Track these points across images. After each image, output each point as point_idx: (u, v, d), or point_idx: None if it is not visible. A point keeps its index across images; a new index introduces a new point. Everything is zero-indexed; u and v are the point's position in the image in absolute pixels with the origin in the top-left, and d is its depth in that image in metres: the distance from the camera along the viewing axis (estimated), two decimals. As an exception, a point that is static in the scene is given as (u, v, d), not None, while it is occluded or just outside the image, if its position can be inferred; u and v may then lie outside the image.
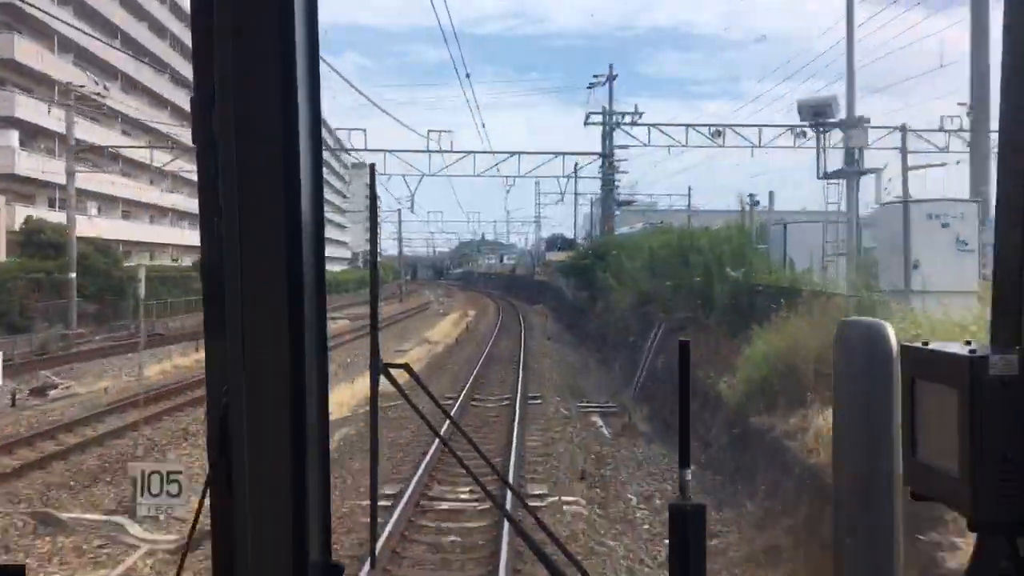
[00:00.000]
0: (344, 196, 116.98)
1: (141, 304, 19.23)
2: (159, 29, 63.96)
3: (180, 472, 13.70)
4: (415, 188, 48.50)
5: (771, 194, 37.63)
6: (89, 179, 49.31)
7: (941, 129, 42.19)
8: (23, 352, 34.56)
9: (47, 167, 47.00)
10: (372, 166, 1.89)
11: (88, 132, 50.55)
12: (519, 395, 21.50)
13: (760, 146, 48.58)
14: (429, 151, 41.93)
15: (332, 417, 1.92)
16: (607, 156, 46.11)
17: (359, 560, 9.58)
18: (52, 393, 24.90)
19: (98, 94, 42.38)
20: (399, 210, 77.44)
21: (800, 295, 16.25)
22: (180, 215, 69.11)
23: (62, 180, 41.89)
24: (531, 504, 9.65)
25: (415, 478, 12.98)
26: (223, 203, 1.28)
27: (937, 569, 7.31)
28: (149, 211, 63.90)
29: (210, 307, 1.32)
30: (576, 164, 48.62)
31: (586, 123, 46.09)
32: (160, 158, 47.76)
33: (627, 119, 44.65)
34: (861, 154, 23.91)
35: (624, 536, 11.46)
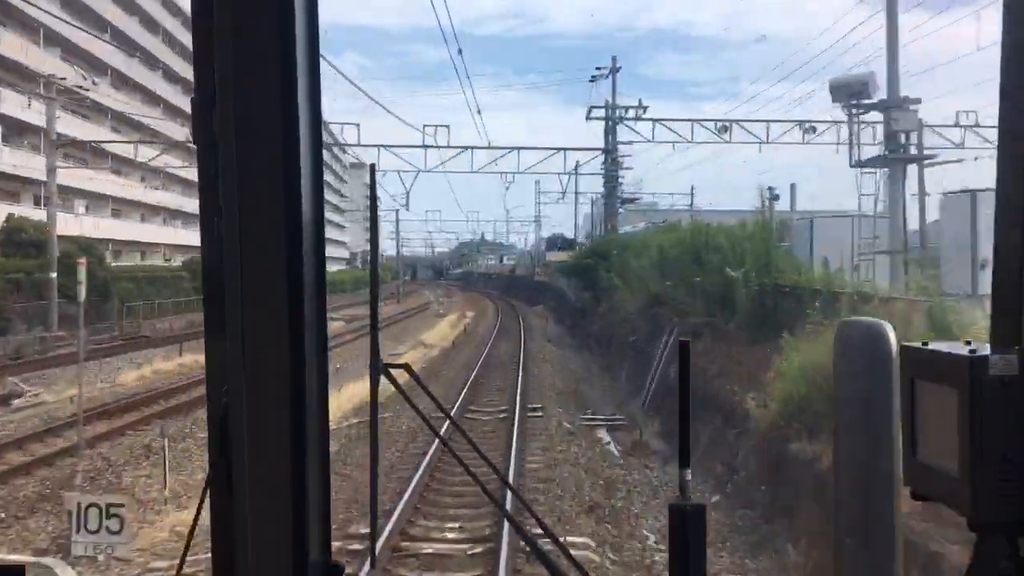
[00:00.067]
0: (342, 196, 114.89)
1: (82, 308, 16.98)
2: (151, 24, 61.73)
3: (122, 505, 11.51)
4: (411, 185, 46.21)
5: (792, 187, 35.51)
6: (76, 176, 47.14)
7: (956, 125, 40.00)
8: (-4, 356, 32.59)
9: (31, 163, 44.75)
10: (372, 166, 1.93)
11: (77, 128, 48.49)
12: (518, 406, 19.39)
13: (768, 142, 46.31)
14: (425, 146, 39.70)
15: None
16: (610, 152, 43.85)
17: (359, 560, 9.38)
18: (16, 402, 22.86)
19: (80, 87, 40.20)
20: (397, 210, 75.31)
21: (837, 298, 14.05)
22: (173, 214, 66.85)
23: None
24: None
25: (396, 511, 11.24)
26: (223, 203, 1.27)
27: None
28: (140, 209, 61.59)
29: (210, 307, 1.30)
30: (576, 163, 46.36)
31: (588, 118, 44.18)
32: (147, 153, 45.47)
33: (631, 113, 42.28)
34: (908, 139, 21.62)
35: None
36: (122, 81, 59.12)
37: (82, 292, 16.74)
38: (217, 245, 1.29)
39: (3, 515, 13.42)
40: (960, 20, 51.36)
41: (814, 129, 48.63)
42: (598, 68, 47.17)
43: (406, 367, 1.61)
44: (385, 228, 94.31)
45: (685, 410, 1.57)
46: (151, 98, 62.22)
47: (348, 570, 1.49)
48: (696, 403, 16.89)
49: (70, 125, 48.44)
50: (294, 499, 1.30)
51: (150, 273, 53.07)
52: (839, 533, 1.27)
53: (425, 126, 40.12)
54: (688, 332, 19.82)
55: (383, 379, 1.53)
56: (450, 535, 11.06)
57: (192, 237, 67.02)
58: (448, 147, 40.68)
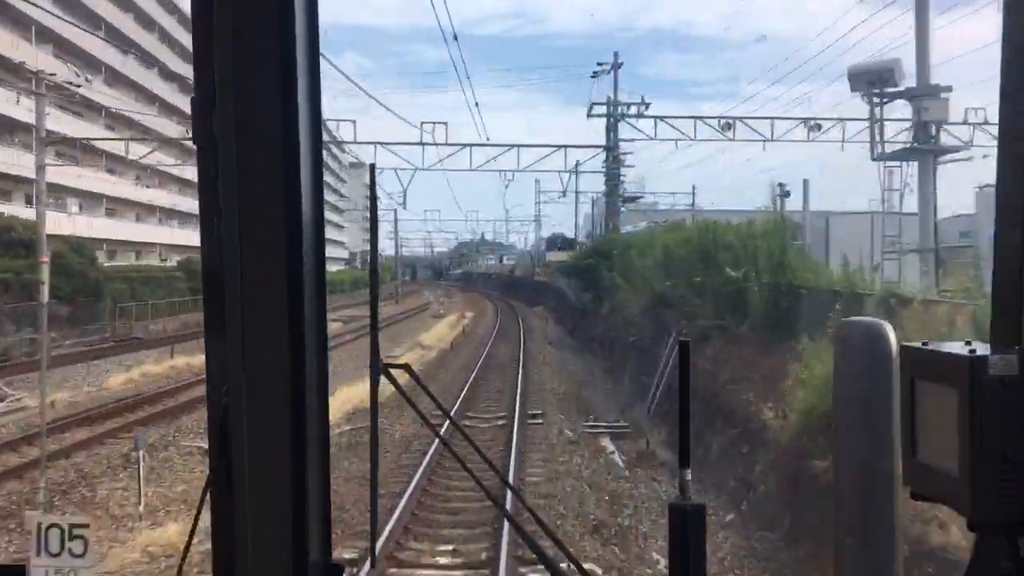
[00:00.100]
0: (341, 195, 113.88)
1: (45, 310, 15.95)
2: (147, 22, 60.63)
3: (86, 526, 10.09)
4: (408, 183, 45.15)
5: (805, 183, 34.40)
6: (69, 174, 46.08)
7: (965, 122, 38.84)
8: (-18, 358, 31.70)
9: (22, 161, 43.70)
10: (372, 166, 1.90)
11: (70, 126, 47.36)
12: (517, 412, 18.37)
13: (773, 139, 45.24)
14: (423, 143, 38.62)
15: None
16: (611, 149, 42.74)
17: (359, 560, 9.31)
18: (-2, 407, 21.65)
19: (71, 83, 39.10)
20: (395, 209, 74.32)
21: (861, 300, 12.99)
22: (168, 213, 65.73)
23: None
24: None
25: (385, 533, 10.54)
26: (223, 204, 1.28)
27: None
28: (135, 209, 60.48)
29: (210, 307, 1.31)
30: (577, 163, 45.27)
31: (589, 115, 43.17)
32: (140, 151, 44.37)
33: (633, 111, 41.19)
34: (938, 130, 20.48)
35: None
36: (116, 78, 58.00)
37: (45, 293, 15.77)
38: (217, 246, 1.28)
39: (-38, 534, 12.35)
40: (958, 20, 50.29)
41: (819, 126, 47.58)
42: (600, 64, 46.02)
43: (406, 367, 1.61)
44: (383, 228, 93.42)
45: (685, 410, 1.60)
46: (146, 96, 61.08)
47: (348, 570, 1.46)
48: (707, 411, 15.87)
49: (63, 122, 47.40)
50: (294, 499, 1.29)
51: (144, 273, 52.06)
52: (839, 533, 1.26)
53: (423, 123, 39.12)
54: (696, 335, 18.80)
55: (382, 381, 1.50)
56: (443, 560, 10.38)
57: (188, 237, 66.09)
58: (446, 144, 39.62)
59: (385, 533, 10.48)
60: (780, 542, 10.63)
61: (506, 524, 10.05)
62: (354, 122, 39.62)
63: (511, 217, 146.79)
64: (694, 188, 64.49)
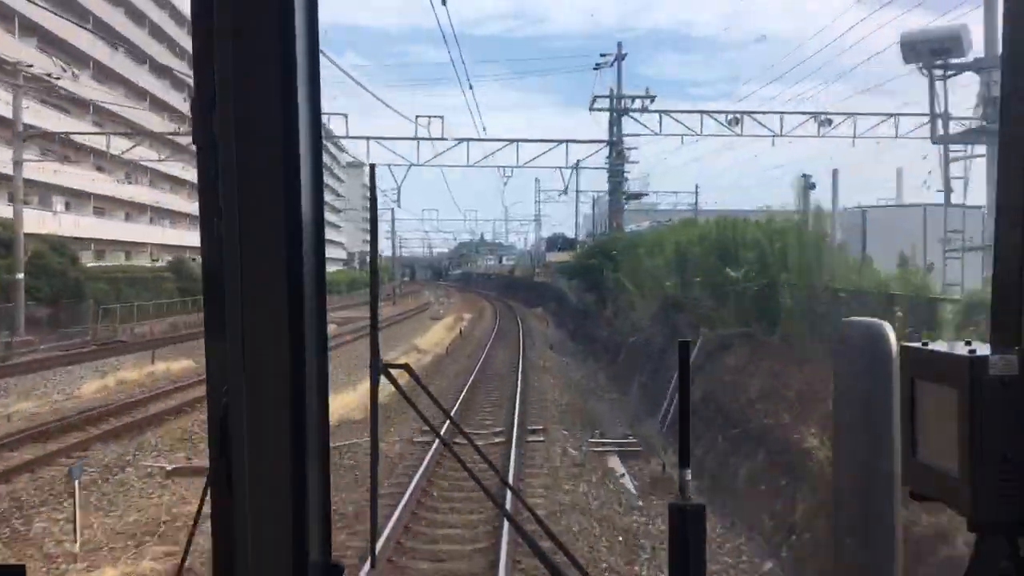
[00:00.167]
0: (338, 195, 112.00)
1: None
2: (137, 16, 58.55)
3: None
4: (402, 179, 43.12)
5: (835, 173, 32.29)
6: (55, 172, 43.99)
7: (967, 121, 36.90)
8: (-48, 364, 29.90)
9: (2, 157, 41.65)
10: (372, 166, 1.90)
11: (56, 122, 45.31)
12: (516, 427, 16.46)
13: (781, 135, 43.44)
14: (418, 138, 36.54)
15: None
16: (615, 144, 40.66)
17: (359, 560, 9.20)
18: (-39, 416, 19.81)
19: (49, 75, 37.11)
20: (392, 208, 72.45)
21: (933, 305, 10.90)
22: (160, 212, 63.65)
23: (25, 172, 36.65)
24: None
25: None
26: (223, 204, 1.28)
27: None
28: (125, 207, 58.34)
29: (210, 307, 1.31)
30: (577, 162, 43.23)
31: (591, 108, 41.10)
32: (135, 150, 42.29)
33: (637, 105, 39.13)
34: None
35: None
36: (104, 74, 55.90)
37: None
38: (217, 246, 1.29)
39: None
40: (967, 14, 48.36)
41: (829, 122, 45.75)
42: (603, 55, 43.98)
43: (406, 367, 1.62)
44: (381, 228, 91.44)
45: (685, 410, 1.58)
46: (136, 92, 58.99)
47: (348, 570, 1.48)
48: (733, 432, 13.81)
49: (48, 118, 45.35)
50: (294, 499, 1.29)
51: (130, 273, 49.95)
52: (839, 533, 1.26)
53: (418, 116, 37.05)
54: (715, 344, 16.75)
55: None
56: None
57: (181, 237, 64.07)
58: (442, 139, 37.55)
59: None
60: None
61: (506, 524, 10.03)
62: (346, 116, 37.59)
63: (511, 216, 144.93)
64: (697, 187, 62.57)
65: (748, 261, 18.12)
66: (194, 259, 56.53)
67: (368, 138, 38.45)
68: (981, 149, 25.98)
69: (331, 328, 40.65)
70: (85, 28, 47.86)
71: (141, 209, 63.19)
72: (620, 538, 11.29)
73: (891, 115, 40.02)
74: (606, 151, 44.12)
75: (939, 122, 20.85)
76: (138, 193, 61.42)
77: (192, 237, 63.03)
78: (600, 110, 42.59)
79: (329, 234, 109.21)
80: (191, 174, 58.71)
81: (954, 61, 19.51)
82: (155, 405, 22.72)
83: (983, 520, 1.29)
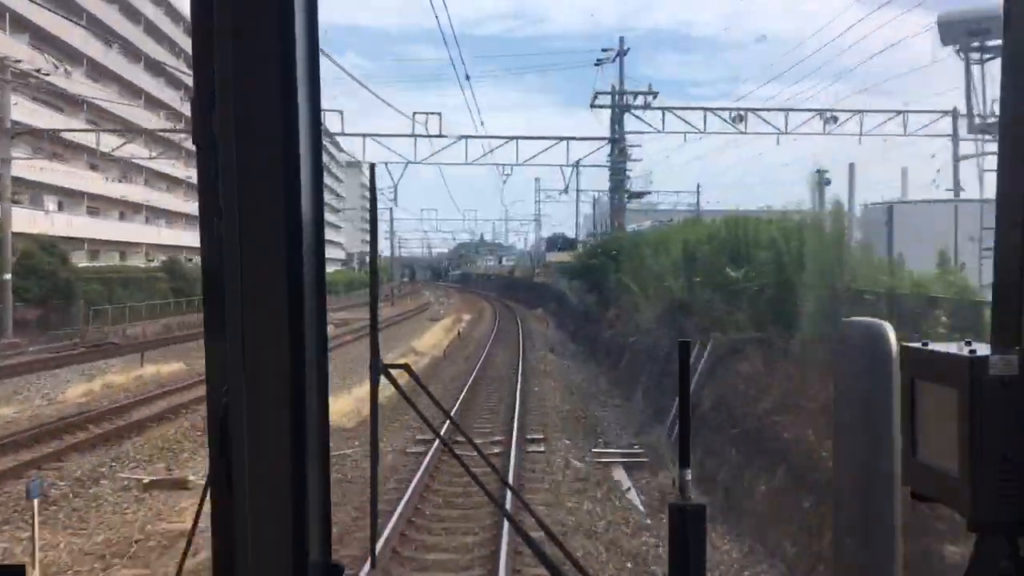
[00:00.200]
0: (337, 195, 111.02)
1: None
2: (132, 13, 57.50)
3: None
4: (399, 177, 42.09)
5: (852, 167, 31.05)
6: (46, 170, 42.96)
7: (994, 115, 35.49)
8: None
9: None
10: (372, 166, 2.19)
11: (48, 120, 44.30)
12: (515, 435, 15.48)
13: (787, 132, 42.45)
14: (415, 135, 35.47)
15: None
16: (617, 141, 39.61)
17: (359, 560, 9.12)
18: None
19: (38, 70, 36.10)
20: (391, 208, 71.48)
21: (976, 307, 9.88)
22: (156, 212, 62.60)
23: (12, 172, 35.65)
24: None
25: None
26: (223, 204, 1.28)
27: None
28: (119, 207, 57.26)
29: (210, 307, 1.32)
30: (578, 160, 42.20)
31: (593, 105, 40.02)
32: (125, 146, 41.26)
33: (639, 101, 38.09)
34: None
35: None
36: (99, 72, 54.86)
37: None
38: (217, 246, 1.29)
39: None
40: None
41: (835, 119, 44.73)
42: (604, 50, 42.86)
43: (406, 367, 1.62)
44: (379, 227, 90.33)
45: (685, 410, 1.58)
46: (131, 90, 57.94)
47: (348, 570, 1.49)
48: (747, 446, 12.82)
49: (41, 116, 44.31)
50: (294, 499, 1.29)
51: (124, 274, 48.85)
52: (839, 533, 1.27)
53: (415, 113, 35.94)
54: (726, 348, 15.71)
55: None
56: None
57: (177, 237, 63.06)
58: (440, 136, 36.46)
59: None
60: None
61: (506, 524, 10.03)
62: (341, 113, 36.56)
63: (510, 216, 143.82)
64: (699, 186, 61.57)
65: (762, 261, 17.03)
66: (190, 260, 55.57)
67: (364, 135, 37.52)
68: (993, 146, 25.07)
69: (329, 329, 39.90)
70: (79, 24, 46.85)
71: (136, 208, 62.12)
72: (629, 564, 10.25)
73: (900, 112, 39.10)
74: (607, 149, 43.05)
75: (974, 111, 19.87)
76: (133, 192, 60.40)
77: (188, 237, 62.08)
78: (601, 107, 41.64)
79: (328, 234, 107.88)
80: (186, 172, 57.91)
81: (993, 43, 18.26)
82: (139, 411, 21.78)
83: (983, 520, 1.29)
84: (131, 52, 57.77)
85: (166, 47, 63.71)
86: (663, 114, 41.23)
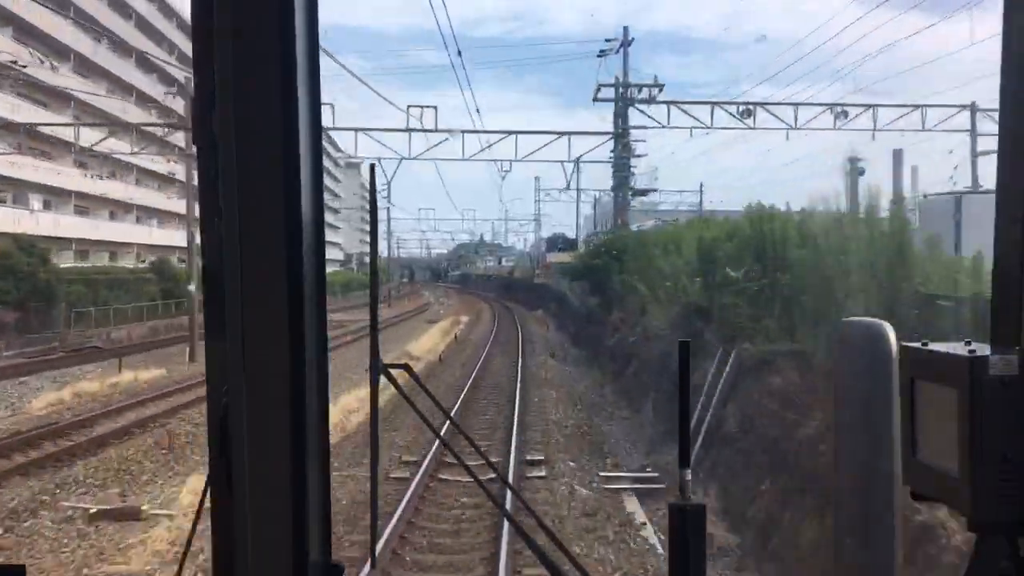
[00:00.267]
0: (336, 195, 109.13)
1: None
2: (121, 7, 55.48)
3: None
4: (392, 173, 40.09)
5: (897, 154, 28.82)
6: (30, 168, 40.93)
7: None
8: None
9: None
10: (372, 166, 1.85)
11: (30, 116, 42.26)
12: (512, 456, 13.88)
13: (796, 127, 40.44)
14: (409, 130, 33.50)
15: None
16: (621, 137, 37.58)
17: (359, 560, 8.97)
18: None
19: (14, 62, 34.11)
20: (388, 208, 69.59)
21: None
22: (148, 212, 60.55)
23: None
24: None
25: None
26: (223, 204, 1.28)
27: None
28: (109, 206, 55.21)
29: (210, 307, 1.32)
30: (579, 157, 40.21)
31: (595, 99, 38.17)
32: (116, 144, 39.30)
33: (644, 94, 36.06)
34: None
35: None
36: (87, 67, 52.85)
37: None
38: (217, 246, 1.29)
39: None
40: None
41: (846, 114, 42.69)
42: (608, 40, 40.83)
43: (406, 367, 1.62)
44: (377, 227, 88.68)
45: (685, 410, 1.58)
46: (122, 86, 55.91)
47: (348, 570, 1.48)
48: (784, 478, 10.78)
49: (25, 113, 42.29)
50: (294, 499, 1.29)
51: (112, 275, 46.77)
52: (839, 533, 1.26)
53: (410, 107, 33.96)
54: (756, 360, 13.69)
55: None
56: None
57: (170, 237, 61.02)
58: (436, 131, 34.46)
59: None
60: None
61: (506, 524, 10.02)
62: (332, 106, 34.46)
63: (510, 216, 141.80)
64: (702, 185, 59.66)
65: (793, 261, 14.90)
66: (182, 261, 53.56)
67: (357, 129, 35.54)
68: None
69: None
70: (66, 17, 44.85)
71: (127, 208, 60.06)
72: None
73: (917, 106, 37.14)
74: (609, 146, 41.09)
75: None
76: (123, 191, 58.33)
77: (181, 237, 59.99)
78: (605, 100, 39.71)
79: (327, 235, 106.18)
80: (170, 169, 55.90)
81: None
82: (103, 424, 19.85)
83: (983, 520, 1.29)
84: (121, 47, 55.77)
85: (156, 41, 61.72)
86: (668, 108, 39.32)
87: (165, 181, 62.59)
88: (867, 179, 33.22)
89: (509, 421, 18.85)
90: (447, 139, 35.13)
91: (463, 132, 36.21)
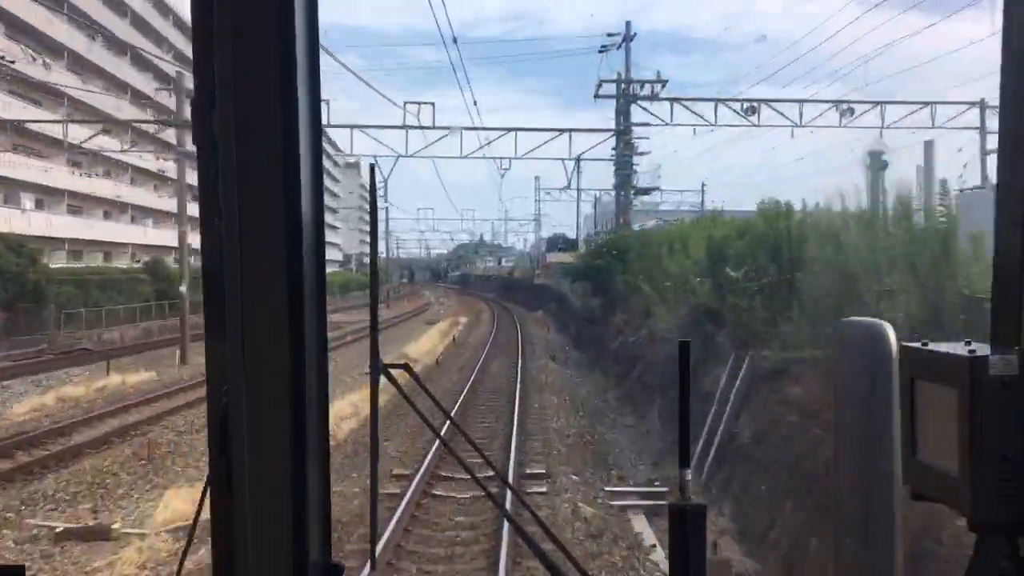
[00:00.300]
0: (334, 195, 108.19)
1: None
2: (117, 4, 54.52)
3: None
4: (389, 172, 39.07)
5: (928, 145, 27.64)
6: (20, 166, 39.97)
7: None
8: None
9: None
10: (372, 166, 1.83)
11: (21, 114, 41.33)
12: (512, 468, 14.43)
13: (801, 125, 39.55)
14: (406, 126, 32.41)
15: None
16: (623, 134, 36.59)
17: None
18: None
19: (2, 57, 33.17)
20: (386, 207, 68.67)
21: None
22: (143, 212, 59.54)
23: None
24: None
25: None
26: (223, 204, 1.28)
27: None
28: (104, 206, 54.19)
29: (210, 307, 1.31)
30: (579, 155, 39.24)
31: (596, 95, 37.14)
32: (108, 143, 38.29)
33: (646, 90, 35.06)
34: None
35: None
36: (81, 65, 51.86)
37: None
38: (217, 246, 1.29)
39: None
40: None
41: (852, 111, 41.78)
42: (610, 35, 39.79)
43: (406, 367, 1.62)
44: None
45: (685, 410, 1.58)
46: (117, 84, 54.90)
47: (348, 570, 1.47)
48: (807, 497, 9.72)
49: (16, 111, 41.34)
50: (294, 499, 1.29)
51: (105, 275, 45.74)
52: (839, 533, 1.26)
53: (407, 103, 32.89)
54: (772, 366, 12.67)
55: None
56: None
57: (164, 237, 59.94)
58: (434, 128, 33.44)
59: None
60: None
61: (506, 524, 9.99)
62: (327, 102, 33.36)
63: (509, 216, 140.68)
64: (703, 185, 58.77)
65: (819, 260, 13.73)
66: (178, 260, 52.52)
67: (352, 126, 34.48)
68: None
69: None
70: (58, 11, 43.90)
71: (122, 207, 59.00)
72: None
73: (926, 103, 36.21)
74: (612, 144, 40.05)
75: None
76: (118, 190, 57.29)
77: (174, 237, 59.03)
78: (606, 96, 38.64)
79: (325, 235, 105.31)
80: (171, 168, 54.91)
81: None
82: (83, 432, 18.88)
83: (983, 520, 1.30)
84: (116, 45, 54.79)
85: (153, 40, 60.69)
86: (671, 105, 38.40)
87: (161, 180, 61.59)
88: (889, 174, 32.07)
89: (508, 429, 17.91)
90: (446, 135, 34.29)
91: (462, 129, 35.34)
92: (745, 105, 40.22)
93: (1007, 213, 1.38)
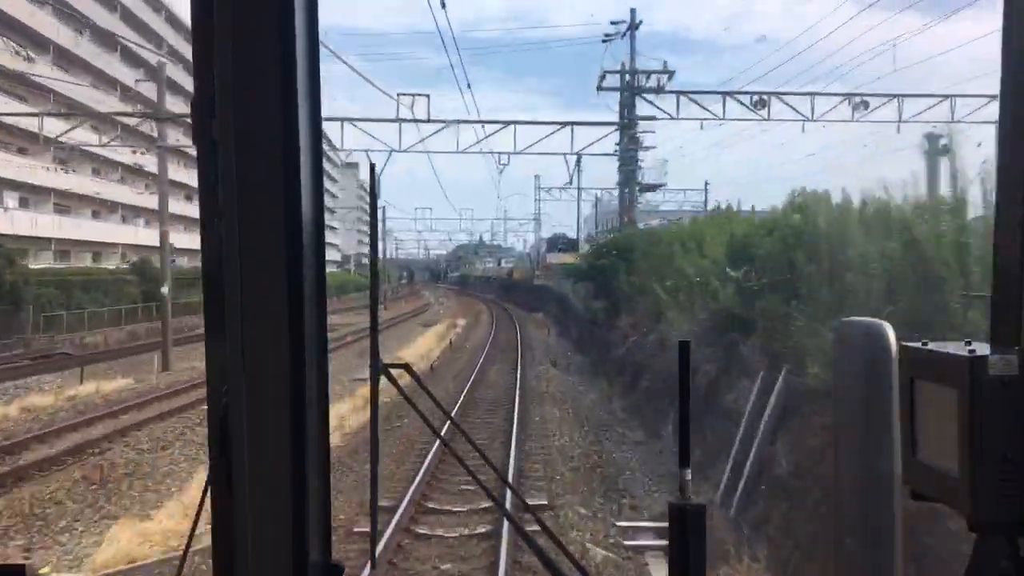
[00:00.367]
0: (333, 196, 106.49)
1: None
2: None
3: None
4: (382, 167, 37.26)
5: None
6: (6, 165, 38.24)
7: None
8: None
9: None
10: (372, 166, 1.77)
11: (5, 109, 39.70)
12: (509, 501, 10.73)
13: (813, 119, 37.65)
14: (400, 120, 30.49)
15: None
16: (627, 127, 34.70)
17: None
18: None
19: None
20: (384, 207, 66.86)
21: None
22: (134, 211, 57.68)
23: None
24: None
25: None
26: (223, 205, 1.29)
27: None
28: (92, 205, 52.32)
29: (210, 307, 1.32)
30: (580, 152, 37.34)
31: (599, 87, 35.38)
32: (86, 137, 36.47)
33: (652, 81, 33.20)
34: None
35: None
36: (68, 60, 50.00)
37: None
38: (217, 247, 1.29)
39: None
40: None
41: (866, 104, 39.85)
42: (614, 23, 37.94)
43: (406, 367, 1.62)
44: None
45: (685, 410, 1.57)
46: (106, 80, 53.06)
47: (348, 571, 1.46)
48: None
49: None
50: (294, 499, 1.29)
51: (92, 276, 43.85)
52: (839, 533, 1.24)
53: (400, 94, 30.98)
54: (804, 389, 10.72)
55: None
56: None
57: (155, 237, 57.87)
58: (428, 121, 31.49)
59: None
60: None
61: (506, 524, 9.92)
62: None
63: (508, 215, 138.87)
64: (707, 184, 57.07)
65: (882, 258, 11.63)
66: (172, 261, 50.67)
67: (343, 120, 32.50)
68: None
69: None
70: (48, 3, 42.04)
71: (111, 206, 57.11)
72: None
73: (946, 96, 34.37)
74: (615, 139, 38.17)
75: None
76: (107, 189, 55.41)
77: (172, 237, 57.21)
78: (609, 89, 36.69)
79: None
80: (151, 162, 53.05)
81: None
82: (37, 449, 17.13)
83: (983, 520, 1.29)
84: (105, 39, 52.93)
85: (143, 35, 58.87)
86: (677, 99, 36.55)
87: (152, 178, 59.73)
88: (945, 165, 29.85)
89: (506, 446, 16.09)
90: (441, 129, 32.41)
91: (458, 122, 33.43)
92: (755, 98, 38.43)
93: (1007, 214, 1.38)
